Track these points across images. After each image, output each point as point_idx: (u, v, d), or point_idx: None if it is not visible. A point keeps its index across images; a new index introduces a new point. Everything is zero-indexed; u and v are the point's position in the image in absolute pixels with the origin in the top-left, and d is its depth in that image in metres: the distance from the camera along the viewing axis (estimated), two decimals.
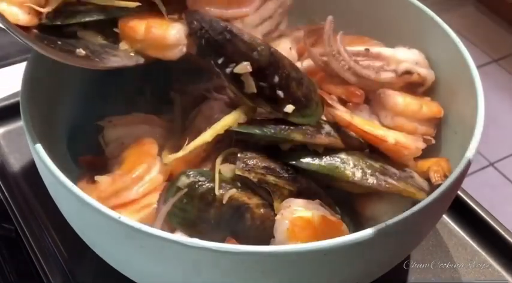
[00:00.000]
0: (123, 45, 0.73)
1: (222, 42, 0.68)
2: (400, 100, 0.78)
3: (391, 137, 0.73)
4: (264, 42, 0.70)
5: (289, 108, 0.70)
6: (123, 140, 0.78)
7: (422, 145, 0.75)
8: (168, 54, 0.72)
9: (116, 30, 0.73)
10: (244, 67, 0.67)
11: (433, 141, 0.78)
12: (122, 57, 0.72)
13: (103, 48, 0.72)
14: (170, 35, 0.71)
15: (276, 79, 0.69)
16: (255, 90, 0.68)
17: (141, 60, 0.73)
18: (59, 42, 0.70)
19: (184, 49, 0.72)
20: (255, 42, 0.69)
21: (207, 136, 0.70)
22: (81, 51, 0.70)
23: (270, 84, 0.69)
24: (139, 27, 0.72)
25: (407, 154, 0.74)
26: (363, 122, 0.74)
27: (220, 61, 0.68)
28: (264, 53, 0.69)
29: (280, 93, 0.70)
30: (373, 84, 0.79)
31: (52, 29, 0.71)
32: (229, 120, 0.70)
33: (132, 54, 0.73)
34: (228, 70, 0.68)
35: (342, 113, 0.74)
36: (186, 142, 0.70)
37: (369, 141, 0.74)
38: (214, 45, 0.68)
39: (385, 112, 0.78)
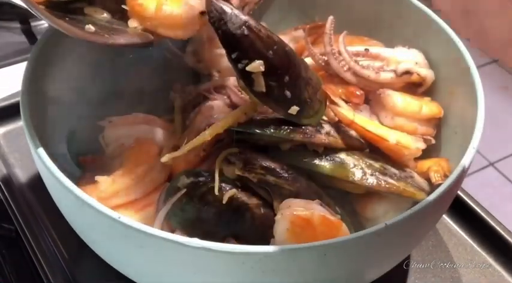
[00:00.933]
0: (131, 23, 0.70)
1: (239, 36, 0.66)
2: (400, 100, 0.78)
3: (392, 136, 0.74)
4: (280, 40, 0.69)
5: (294, 110, 0.70)
6: (124, 140, 0.78)
7: (422, 145, 0.75)
8: (179, 33, 0.70)
9: (124, 7, 0.71)
10: (257, 66, 0.66)
11: (433, 141, 0.78)
12: (131, 34, 0.70)
13: (111, 25, 0.71)
14: (182, 13, 0.69)
15: (286, 79, 0.69)
16: (264, 90, 0.68)
17: (150, 38, 0.71)
18: (67, 18, 0.69)
19: (197, 27, 0.70)
20: (272, 40, 0.68)
21: (206, 135, 0.69)
22: (90, 28, 0.68)
23: (280, 84, 0.69)
24: (149, 4, 0.69)
25: (408, 155, 0.74)
26: (365, 121, 0.75)
27: (234, 55, 0.66)
28: (279, 53, 0.68)
29: (288, 93, 0.69)
30: (373, 84, 0.79)
31: (58, 5, 0.69)
32: (229, 120, 0.70)
33: (141, 31, 0.70)
34: (240, 66, 0.66)
35: (345, 111, 0.74)
36: (185, 142, 0.70)
37: (370, 140, 0.74)
38: (231, 38, 0.66)
39: (385, 112, 0.78)
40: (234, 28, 0.66)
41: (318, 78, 0.73)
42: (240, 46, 0.66)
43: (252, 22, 0.67)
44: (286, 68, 0.69)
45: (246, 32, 0.66)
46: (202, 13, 0.70)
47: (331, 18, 0.80)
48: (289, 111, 0.69)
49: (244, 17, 0.66)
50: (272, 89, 0.68)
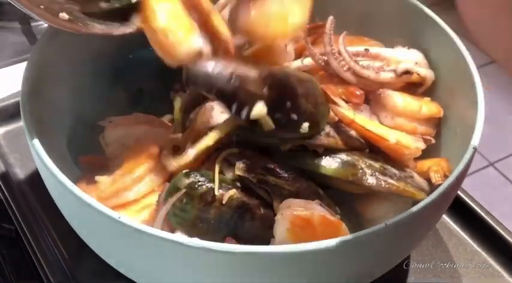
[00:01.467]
0: (137, 21, 0.70)
1: (232, 90, 0.66)
2: (400, 100, 0.78)
3: (392, 136, 0.74)
4: (270, 70, 0.69)
5: (305, 127, 0.69)
6: (124, 140, 0.78)
7: (422, 145, 0.75)
8: (166, 58, 0.70)
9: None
10: (260, 110, 0.66)
11: (433, 141, 0.78)
12: (108, 25, 0.70)
13: (89, 16, 0.70)
14: (182, 49, 0.68)
15: (288, 104, 0.68)
16: (273, 127, 0.67)
17: (128, 30, 0.71)
18: (42, 7, 0.68)
19: (186, 63, 0.70)
20: (263, 76, 0.67)
21: (209, 140, 0.69)
22: (64, 15, 0.68)
23: (284, 112, 0.68)
24: (160, 17, 0.68)
25: (408, 154, 0.74)
26: (365, 121, 0.74)
27: (234, 108, 0.67)
28: (274, 84, 0.67)
29: (294, 116, 0.68)
30: (373, 84, 0.79)
31: None
32: (229, 124, 0.70)
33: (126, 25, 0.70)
34: (243, 113, 0.66)
35: (345, 110, 0.74)
36: (188, 145, 0.70)
37: (370, 139, 0.74)
38: (225, 94, 0.66)
39: (384, 112, 0.78)
40: (224, 84, 0.66)
41: (313, 82, 0.72)
42: (235, 97, 0.66)
43: (238, 69, 0.66)
44: (285, 95, 0.68)
45: (236, 82, 0.66)
46: (199, 53, 0.69)
47: (331, 18, 0.80)
48: (301, 131, 0.69)
49: (229, 69, 0.66)
50: (279, 120, 0.68)
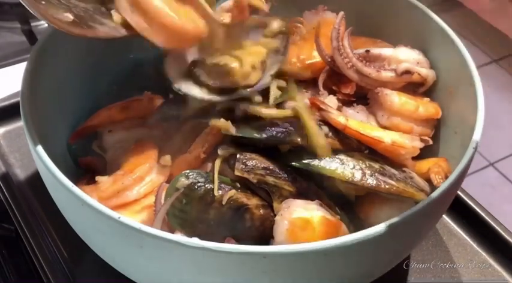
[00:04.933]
0: (116, 18, 0.69)
1: None
2: (396, 99, 0.78)
3: (387, 137, 0.73)
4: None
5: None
6: (123, 143, 0.78)
7: (419, 144, 0.75)
8: (163, 40, 0.69)
9: None
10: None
11: (431, 142, 0.78)
12: (110, 27, 0.70)
13: (88, 13, 0.70)
14: (183, 24, 0.68)
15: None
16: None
17: (130, 33, 0.70)
18: (43, 2, 0.66)
19: (183, 45, 0.71)
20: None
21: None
22: (68, 16, 0.67)
23: None
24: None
25: (405, 154, 0.74)
26: (359, 125, 0.74)
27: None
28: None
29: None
30: (374, 82, 0.79)
31: None
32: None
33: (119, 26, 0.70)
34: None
35: (337, 117, 0.74)
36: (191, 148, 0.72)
37: (366, 143, 0.74)
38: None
39: (381, 111, 0.78)
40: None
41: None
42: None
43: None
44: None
45: None
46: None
47: (341, 13, 0.79)
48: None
49: None
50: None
